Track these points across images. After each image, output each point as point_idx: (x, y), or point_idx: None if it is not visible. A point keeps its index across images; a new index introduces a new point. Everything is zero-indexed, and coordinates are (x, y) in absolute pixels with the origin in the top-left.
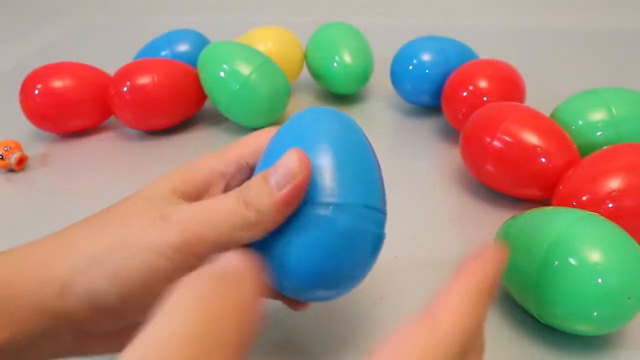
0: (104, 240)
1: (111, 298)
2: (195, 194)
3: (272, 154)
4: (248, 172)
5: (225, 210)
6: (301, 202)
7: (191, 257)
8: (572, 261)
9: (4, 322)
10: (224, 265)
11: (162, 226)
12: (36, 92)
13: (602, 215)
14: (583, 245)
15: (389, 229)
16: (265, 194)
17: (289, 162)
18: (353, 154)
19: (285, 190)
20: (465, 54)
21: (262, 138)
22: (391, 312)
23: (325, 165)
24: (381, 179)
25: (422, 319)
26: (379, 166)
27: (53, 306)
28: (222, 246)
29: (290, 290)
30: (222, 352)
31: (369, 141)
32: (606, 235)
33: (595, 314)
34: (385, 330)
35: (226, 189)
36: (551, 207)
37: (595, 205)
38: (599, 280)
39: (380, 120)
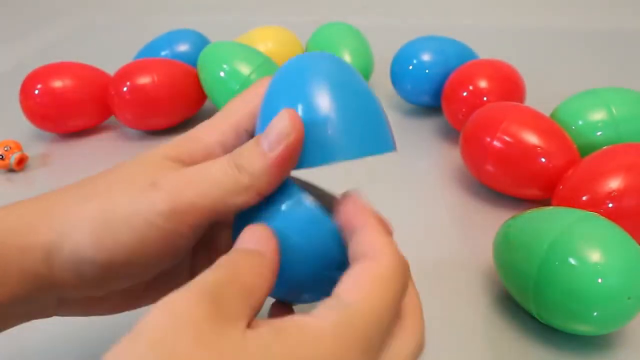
0: (92, 207)
1: (96, 267)
2: (192, 164)
3: (267, 115)
4: (247, 138)
5: (217, 175)
6: (295, 164)
7: (182, 225)
8: (572, 261)
9: None
10: (244, 245)
11: (152, 193)
12: (36, 92)
13: (602, 215)
14: (583, 245)
15: None
16: (257, 156)
17: (280, 123)
18: (356, 102)
19: (277, 151)
20: (465, 54)
21: (256, 96)
22: None
23: (323, 120)
24: (386, 120)
25: (329, 301)
26: (382, 109)
27: (38, 272)
28: (215, 213)
29: (281, 292)
30: (239, 298)
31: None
32: (606, 235)
33: (595, 314)
34: None
35: None
36: (551, 207)
37: (595, 205)
38: (599, 280)
39: None
